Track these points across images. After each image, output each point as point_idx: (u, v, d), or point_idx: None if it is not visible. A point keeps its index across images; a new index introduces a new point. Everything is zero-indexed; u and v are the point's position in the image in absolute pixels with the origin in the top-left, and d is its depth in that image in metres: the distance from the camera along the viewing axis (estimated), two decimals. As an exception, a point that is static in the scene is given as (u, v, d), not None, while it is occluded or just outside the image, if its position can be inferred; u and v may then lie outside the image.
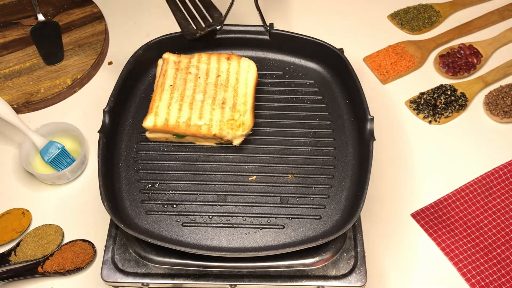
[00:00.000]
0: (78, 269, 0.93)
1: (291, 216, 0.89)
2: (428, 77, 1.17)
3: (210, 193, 0.91)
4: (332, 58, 1.03)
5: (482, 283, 0.92)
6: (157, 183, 0.92)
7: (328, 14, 1.28)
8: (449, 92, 1.12)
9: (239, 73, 0.98)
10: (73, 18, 1.24)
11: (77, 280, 0.93)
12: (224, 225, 0.88)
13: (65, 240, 0.96)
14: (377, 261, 0.94)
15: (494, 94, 1.12)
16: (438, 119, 1.10)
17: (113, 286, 0.85)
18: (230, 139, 0.92)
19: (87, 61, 1.17)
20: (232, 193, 0.91)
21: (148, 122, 0.92)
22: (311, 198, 0.90)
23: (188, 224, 0.88)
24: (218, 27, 1.04)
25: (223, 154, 0.95)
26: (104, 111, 0.92)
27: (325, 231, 0.87)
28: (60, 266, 0.92)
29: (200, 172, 0.93)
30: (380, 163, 1.03)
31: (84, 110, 1.12)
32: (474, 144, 1.08)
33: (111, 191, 0.88)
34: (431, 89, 1.14)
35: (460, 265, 0.93)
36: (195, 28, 1.01)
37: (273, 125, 0.98)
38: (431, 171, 1.04)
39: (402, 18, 1.26)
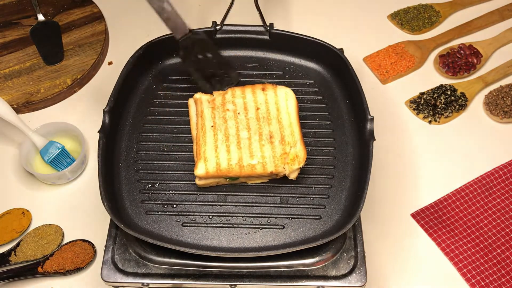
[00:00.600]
0: (78, 269, 0.93)
1: (291, 216, 0.89)
2: (428, 77, 1.17)
3: (210, 193, 0.91)
4: (332, 58, 1.03)
5: (482, 283, 0.92)
6: (157, 183, 0.92)
7: (328, 14, 1.28)
8: (449, 92, 1.12)
9: (278, 103, 0.94)
10: (73, 18, 1.24)
11: (77, 280, 0.93)
12: (224, 225, 0.88)
13: (65, 240, 0.96)
14: (377, 261, 0.94)
15: (494, 94, 1.12)
16: (438, 119, 1.10)
17: (113, 286, 0.85)
18: (287, 175, 0.89)
19: (87, 61, 1.17)
20: (232, 193, 0.91)
21: (199, 170, 0.87)
22: (311, 198, 0.90)
23: (188, 224, 0.88)
24: (218, 27, 1.04)
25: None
26: (104, 111, 0.92)
27: (325, 231, 0.87)
28: (60, 266, 0.92)
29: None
30: (380, 163, 1.03)
31: (84, 110, 1.12)
32: (474, 144, 1.08)
33: (111, 191, 0.88)
34: (431, 89, 1.14)
35: (460, 265, 0.93)
36: (211, 88, 1.00)
37: (273, 125, 0.98)
38: (431, 171, 1.04)
39: (402, 18, 1.26)
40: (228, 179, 0.90)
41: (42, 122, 1.06)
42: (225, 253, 0.83)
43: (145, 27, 1.24)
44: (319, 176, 0.93)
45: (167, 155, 0.95)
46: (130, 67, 0.99)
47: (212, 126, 0.92)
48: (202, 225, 0.88)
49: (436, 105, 1.11)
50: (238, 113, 0.93)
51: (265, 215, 0.89)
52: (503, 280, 0.92)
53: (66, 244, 0.95)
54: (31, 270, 0.92)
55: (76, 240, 0.95)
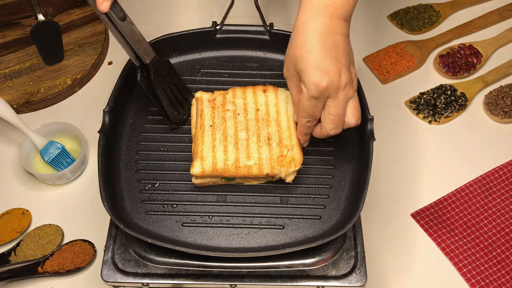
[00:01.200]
0: (78, 269, 0.93)
1: (291, 216, 0.89)
2: (428, 77, 1.17)
3: (210, 193, 0.91)
4: (332, 58, 1.02)
5: (482, 283, 0.92)
6: (157, 183, 0.92)
7: (328, 14, 1.27)
8: (449, 92, 1.12)
9: (278, 105, 0.93)
10: (73, 18, 1.24)
11: (77, 280, 0.93)
12: (224, 225, 0.88)
13: (65, 240, 0.96)
14: (377, 261, 0.94)
15: (494, 94, 1.12)
16: (438, 119, 1.10)
17: (113, 286, 0.85)
18: (283, 177, 0.89)
19: (87, 61, 1.17)
20: (232, 193, 0.91)
21: (196, 169, 0.87)
22: (311, 198, 0.90)
23: (188, 224, 0.88)
24: (218, 27, 1.04)
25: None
26: (104, 111, 0.92)
27: (325, 231, 0.87)
28: (60, 266, 0.92)
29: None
30: (380, 163, 1.03)
31: (84, 110, 1.12)
32: (474, 144, 1.08)
33: (111, 191, 0.88)
34: (431, 89, 1.14)
35: (460, 265, 0.93)
36: (178, 114, 0.97)
37: (273, 125, 0.98)
38: (431, 171, 1.04)
39: (402, 18, 1.26)
40: (224, 179, 0.90)
41: (42, 122, 1.06)
42: (225, 253, 0.83)
43: (145, 27, 1.24)
44: (319, 176, 0.93)
45: (167, 155, 0.95)
46: (130, 67, 0.99)
47: (211, 126, 0.91)
48: (202, 225, 0.88)
49: (436, 105, 1.11)
50: (238, 114, 0.92)
51: (265, 215, 0.89)
52: (503, 280, 0.92)
53: (66, 244, 0.95)
54: (31, 270, 0.92)
55: (76, 240, 0.95)
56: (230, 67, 1.06)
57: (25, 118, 1.11)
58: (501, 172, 1.03)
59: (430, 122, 1.10)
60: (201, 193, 0.91)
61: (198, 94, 0.96)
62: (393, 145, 1.07)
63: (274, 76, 1.05)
